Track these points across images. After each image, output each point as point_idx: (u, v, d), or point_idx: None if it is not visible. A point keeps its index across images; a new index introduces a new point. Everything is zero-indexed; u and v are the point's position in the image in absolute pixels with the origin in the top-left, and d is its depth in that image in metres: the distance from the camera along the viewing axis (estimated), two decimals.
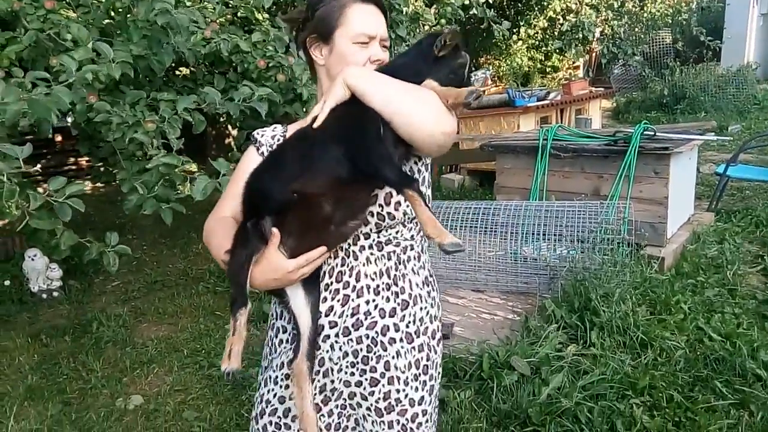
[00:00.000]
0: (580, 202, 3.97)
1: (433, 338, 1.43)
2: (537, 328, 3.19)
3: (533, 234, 3.88)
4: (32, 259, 4.66)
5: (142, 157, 2.53)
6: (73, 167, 9.34)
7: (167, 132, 2.42)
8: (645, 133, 4.29)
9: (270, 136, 1.46)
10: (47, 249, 2.41)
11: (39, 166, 8.61)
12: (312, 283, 1.32)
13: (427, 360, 1.40)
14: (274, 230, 1.25)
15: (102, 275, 5.13)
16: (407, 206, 1.32)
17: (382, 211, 1.31)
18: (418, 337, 1.38)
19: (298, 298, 1.32)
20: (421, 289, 1.41)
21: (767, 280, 3.97)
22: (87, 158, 8.15)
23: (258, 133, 1.48)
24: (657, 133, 4.37)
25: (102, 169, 4.28)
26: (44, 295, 4.68)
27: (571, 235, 3.77)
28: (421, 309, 1.40)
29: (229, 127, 7.61)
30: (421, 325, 1.40)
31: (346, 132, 1.24)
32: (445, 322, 3.37)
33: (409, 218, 1.36)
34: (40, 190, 2.22)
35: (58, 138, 9.00)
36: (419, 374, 1.38)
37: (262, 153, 1.44)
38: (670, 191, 4.18)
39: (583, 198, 4.30)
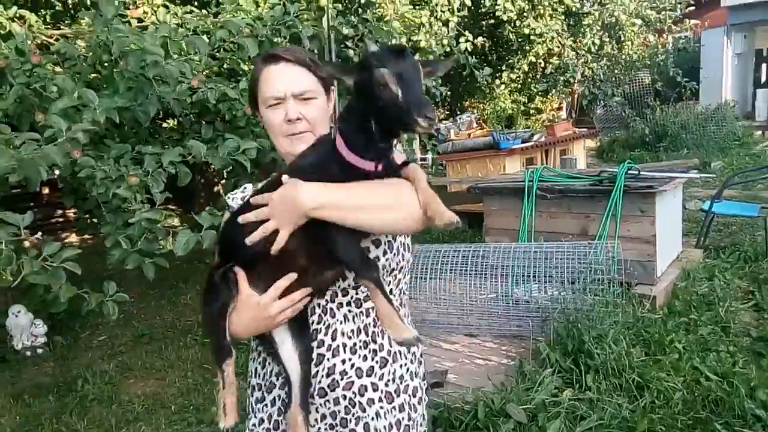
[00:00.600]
0: (569, 243, 3.97)
1: (414, 396, 1.37)
2: (532, 372, 3.14)
3: (524, 276, 3.87)
4: (16, 316, 4.56)
5: (126, 210, 2.52)
6: (60, 219, 9.28)
7: (151, 186, 2.41)
8: (629, 172, 4.34)
9: (240, 198, 1.45)
10: (41, 304, 2.37)
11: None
12: (301, 328, 1.28)
13: (409, 420, 1.33)
14: (238, 269, 1.22)
15: (88, 330, 5.03)
16: (386, 260, 1.29)
17: None
18: (398, 396, 1.32)
19: (285, 344, 1.27)
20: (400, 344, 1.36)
21: (759, 316, 3.96)
22: (74, 211, 8.10)
23: (229, 198, 1.47)
24: (641, 172, 4.42)
25: (88, 221, 4.24)
26: (28, 353, 4.56)
27: (561, 276, 3.76)
28: (401, 366, 1.34)
29: (218, 175, 7.62)
30: (401, 383, 1.34)
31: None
32: (439, 369, 3.31)
33: (387, 272, 1.32)
34: (28, 243, 2.20)
35: (45, 190, 8.96)
36: None
37: None
38: (657, 229, 4.20)
39: (571, 238, 4.31)
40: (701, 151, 10.55)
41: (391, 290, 1.35)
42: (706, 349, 3.43)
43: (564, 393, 2.96)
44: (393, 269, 1.34)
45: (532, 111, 14.37)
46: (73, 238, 8.82)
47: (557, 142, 7.97)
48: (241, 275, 1.23)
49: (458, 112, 13.43)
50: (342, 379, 1.28)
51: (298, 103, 1.31)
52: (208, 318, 1.27)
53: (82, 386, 3.92)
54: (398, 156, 1.25)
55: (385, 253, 1.29)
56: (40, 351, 4.60)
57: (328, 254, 1.19)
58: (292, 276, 1.22)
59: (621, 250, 4.11)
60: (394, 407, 1.31)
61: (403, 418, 1.32)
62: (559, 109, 15.27)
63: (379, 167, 1.17)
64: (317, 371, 1.28)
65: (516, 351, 3.58)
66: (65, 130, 2.19)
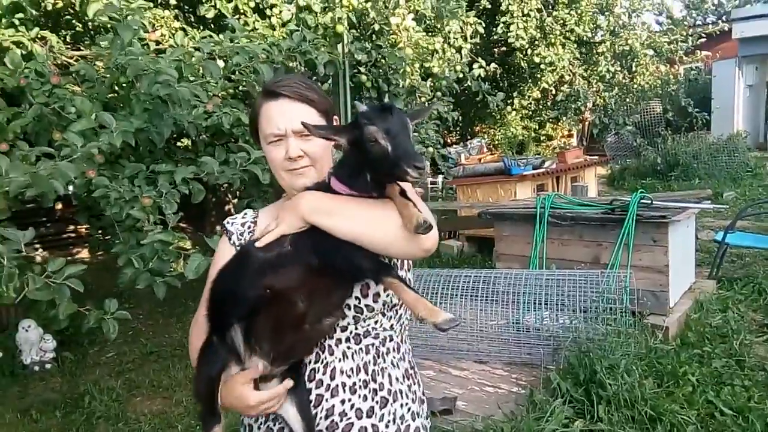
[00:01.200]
0: (580, 271, 3.95)
1: None
2: (542, 401, 3.10)
3: (535, 303, 3.83)
4: (26, 330, 4.57)
5: (140, 229, 2.53)
6: (72, 235, 9.34)
7: (164, 207, 2.43)
8: (642, 201, 4.32)
9: (240, 224, 1.43)
10: (46, 320, 2.37)
11: (35, 236, 8.60)
12: (297, 388, 1.24)
13: None
14: (257, 362, 1.19)
15: (97, 346, 5.03)
16: (387, 296, 1.27)
17: (359, 303, 1.26)
18: None
19: (290, 413, 1.24)
20: (401, 383, 1.32)
21: None
22: (86, 227, 8.16)
23: (228, 222, 1.45)
24: (654, 202, 4.40)
25: (100, 238, 4.28)
26: (36, 368, 4.56)
27: (573, 305, 3.72)
28: (402, 406, 1.30)
29: (229, 195, 7.67)
30: (402, 423, 1.29)
31: (316, 234, 1.19)
32: (448, 396, 3.27)
33: (388, 307, 1.29)
34: (38, 258, 2.21)
35: (59, 206, 9.05)
36: None
37: (233, 243, 1.40)
38: (670, 259, 4.16)
39: (582, 266, 4.28)
40: (713, 181, 10.51)
41: (392, 325, 1.33)
42: (720, 382, 3.37)
43: (575, 424, 2.91)
44: (395, 305, 1.32)
45: (542, 137, 14.42)
46: (84, 254, 8.87)
47: (568, 169, 7.96)
48: (251, 372, 1.20)
49: (469, 137, 13.51)
50: (342, 421, 1.24)
51: (299, 140, 1.30)
52: (202, 381, 1.22)
53: (90, 403, 3.91)
54: None
55: (386, 289, 1.27)
56: (48, 366, 4.60)
57: (339, 271, 1.19)
58: (288, 384, 1.21)
59: (633, 280, 4.07)
60: None
61: None
62: (570, 136, 15.31)
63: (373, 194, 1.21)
64: (315, 413, 1.24)
65: (526, 379, 3.54)
66: (80, 146, 2.22)
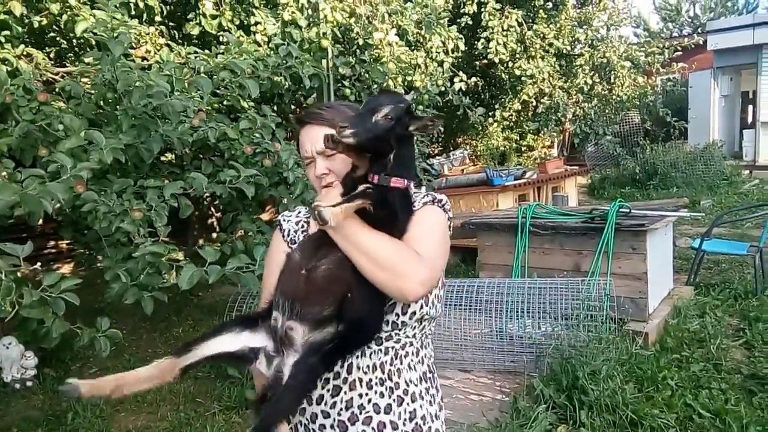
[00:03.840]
0: (562, 279, 4.02)
1: None
2: (526, 408, 3.15)
3: (517, 311, 3.90)
4: (6, 348, 4.52)
5: (128, 243, 2.55)
6: (53, 250, 9.23)
7: (154, 220, 2.46)
8: (620, 210, 4.42)
9: (294, 222, 1.51)
10: (36, 338, 2.37)
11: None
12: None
13: None
14: (276, 316, 1.25)
15: (79, 362, 4.98)
16: (419, 312, 1.34)
17: (397, 320, 1.33)
18: None
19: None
20: (417, 385, 1.37)
21: (750, 354, 3.99)
22: (67, 242, 8.09)
23: (283, 219, 1.53)
24: (632, 211, 4.50)
25: (85, 254, 4.26)
26: (17, 385, 4.50)
27: (555, 312, 3.80)
28: (420, 407, 1.36)
29: (212, 208, 7.66)
30: (423, 423, 1.35)
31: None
32: None
33: (418, 320, 1.36)
34: (22, 274, 2.22)
35: (39, 221, 8.94)
36: None
37: (289, 239, 1.47)
38: (648, 266, 4.26)
39: (564, 274, 4.36)
40: (690, 189, 10.72)
41: (414, 333, 1.38)
42: (699, 386, 3.45)
43: (558, 429, 2.97)
44: (422, 318, 1.38)
45: (524, 148, 14.58)
46: (65, 269, 8.78)
47: (549, 179, 8.09)
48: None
49: (451, 148, 13.61)
50: (361, 414, 1.31)
51: (324, 160, 1.41)
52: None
53: (73, 419, 3.87)
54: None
55: (422, 306, 1.35)
56: (29, 384, 4.54)
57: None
58: None
59: (613, 287, 4.16)
60: None
61: None
62: (551, 146, 15.50)
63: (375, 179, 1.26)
64: (335, 402, 1.31)
65: (510, 386, 3.59)
66: (70, 168, 2.24)
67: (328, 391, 1.32)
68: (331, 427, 1.31)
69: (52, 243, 9.27)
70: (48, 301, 2.06)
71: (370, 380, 1.33)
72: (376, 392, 1.32)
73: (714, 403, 3.17)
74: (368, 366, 1.33)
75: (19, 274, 2.13)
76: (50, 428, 3.83)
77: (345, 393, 1.31)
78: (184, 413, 3.91)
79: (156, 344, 5.38)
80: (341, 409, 1.31)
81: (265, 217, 4.77)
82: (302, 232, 1.48)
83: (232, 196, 3.11)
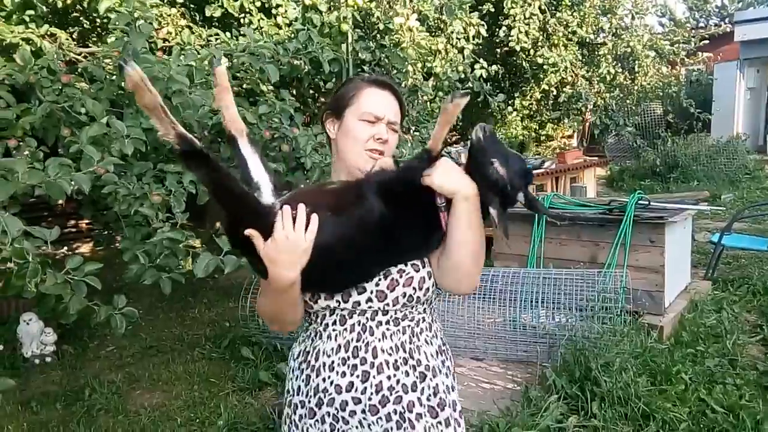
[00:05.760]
0: (578, 270, 4.00)
1: (455, 410, 1.41)
2: (537, 398, 3.15)
3: (532, 301, 3.89)
4: (27, 323, 4.61)
5: (146, 224, 2.57)
6: (73, 230, 9.36)
7: (173, 206, 2.48)
8: (639, 202, 4.37)
9: None
10: (48, 313, 2.42)
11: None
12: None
13: None
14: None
15: (97, 339, 5.07)
16: (432, 288, 1.39)
17: (414, 293, 1.35)
18: (442, 410, 1.37)
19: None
20: (435, 359, 1.41)
21: (767, 350, 3.95)
22: (87, 221, 8.19)
23: None
24: (651, 203, 4.45)
25: (104, 234, 4.31)
26: (37, 361, 4.60)
27: (570, 303, 3.78)
28: (441, 382, 1.39)
29: None
30: (446, 396, 1.39)
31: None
32: None
33: (429, 296, 1.40)
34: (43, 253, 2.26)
35: (60, 200, 9.05)
36: None
37: None
38: (666, 260, 4.22)
39: (580, 266, 4.34)
40: (711, 183, 10.56)
41: (425, 309, 1.43)
42: (713, 381, 3.43)
43: (569, 420, 2.97)
44: (432, 292, 1.42)
45: (543, 138, 14.44)
46: (84, 249, 8.91)
47: (568, 169, 8.02)
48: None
49: (469, 137, 13.52)
50: (391, 395, 1.33)
51: (388, 131, 1.43)
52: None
53: (90, 396, 3.95)
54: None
55: (434, 283, 1.40)
56: (48, 359, 4.64)
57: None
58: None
59: (630, 280, 4.12)
60: (439, 422, 1.36)
61: None
62: (570, 137, 15.33)
63: None
64: (365, 387, 1.33)
65: (522, 376, 3.59)
66: (96, 161, 2.28)
67: (358, 377, 1.33)
68: (363, 412, 1.32)
69: (72, 222, 9.40)
70: (71, 284, 2.10)
71: (396, 361, 1.35)
72: (402, 372, 1.35)
73: (728, 399, 3.14)
74: (391, 348, 1.35)
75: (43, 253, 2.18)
76: (68, 403, 3.91)
77: (374, 377, 1.33)
78: (198, 393, 3.97)
79: (172, 324, 5.46)
80: (372, 393, 1.33)
81: None
82: None
83: None
